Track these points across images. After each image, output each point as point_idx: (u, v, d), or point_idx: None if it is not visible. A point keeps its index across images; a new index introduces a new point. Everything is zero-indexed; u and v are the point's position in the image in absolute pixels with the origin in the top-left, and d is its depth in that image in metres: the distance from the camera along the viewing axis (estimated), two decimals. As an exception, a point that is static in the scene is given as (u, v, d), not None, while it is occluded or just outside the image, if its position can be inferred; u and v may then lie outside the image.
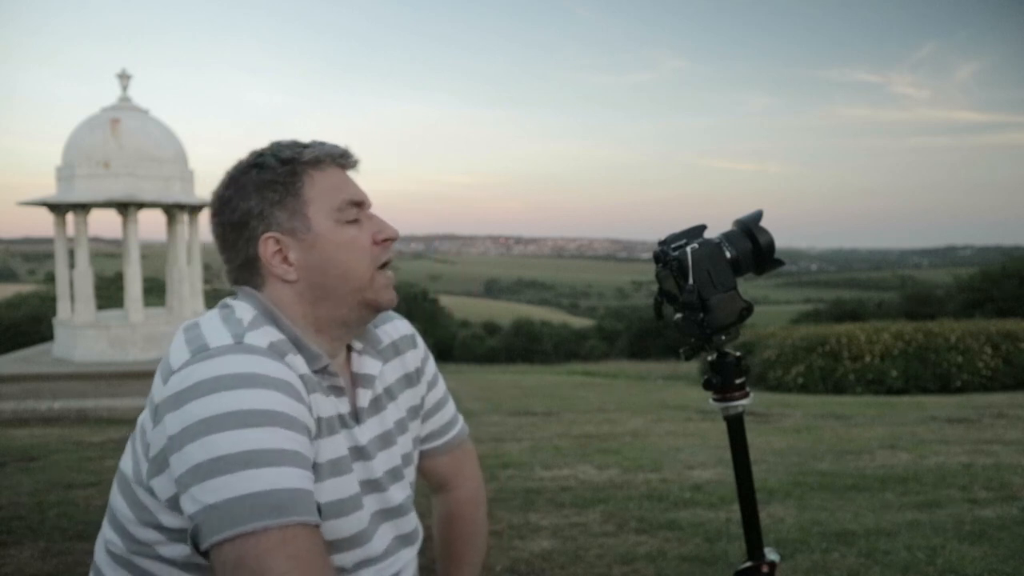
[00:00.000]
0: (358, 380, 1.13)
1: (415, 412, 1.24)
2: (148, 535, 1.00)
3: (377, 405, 1.15)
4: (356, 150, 1.13)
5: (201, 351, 0.96)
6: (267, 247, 1.06)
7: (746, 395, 1.14)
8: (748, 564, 1.11)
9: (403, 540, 1.16)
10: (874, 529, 3.72)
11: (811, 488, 4.52)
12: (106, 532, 1.08)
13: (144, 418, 1.02)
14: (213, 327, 1.01)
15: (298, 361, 1.01)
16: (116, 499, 1.06)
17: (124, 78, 12.37)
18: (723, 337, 1.13)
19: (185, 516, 0.91)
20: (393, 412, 1.18)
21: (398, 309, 1.23)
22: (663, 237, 1.16)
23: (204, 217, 13.28)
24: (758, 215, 1.16)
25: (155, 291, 19.85)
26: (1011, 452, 5.53)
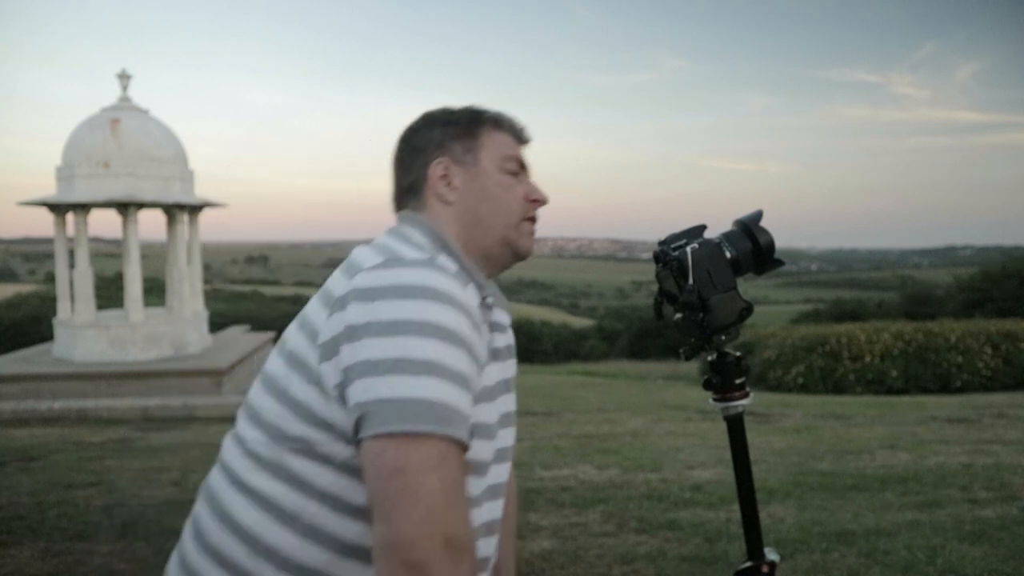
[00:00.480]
0: (493, 326, 1.17)
1: (510, 386, 1.28)
2: (306, 432, 1.01)
3: (508, 352, 1.21)
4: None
5: (395, 258, 1.02)
6: (436, 170, 1.17)
7: (746, 395, 1.14)
8: (748, 564, 1.11)
9: (497, 490, 1.17)
10: (874, 529, 3.72)
11: (811, 488, 4.52)
12: (247, 432, 1.07)
13: (310, 310, 1.05)
14: (404, 248, 1.08)
15: (473, 290, 1.05)
16: (261, 399, 1.07)
17: (124, 78, 12.36)
18: (723, 337, 1.13)
19: (350, 405, 0.94)
20: (510, 364, 1.23)
21: None
22: (663, 237, 1.16)
23: (204, 217, 13.29)
24: (758, 215, 1.16)
25: (155, 291, 19.84)
26: (1011, 452, 5.53)
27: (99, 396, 10.15)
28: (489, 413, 1.06)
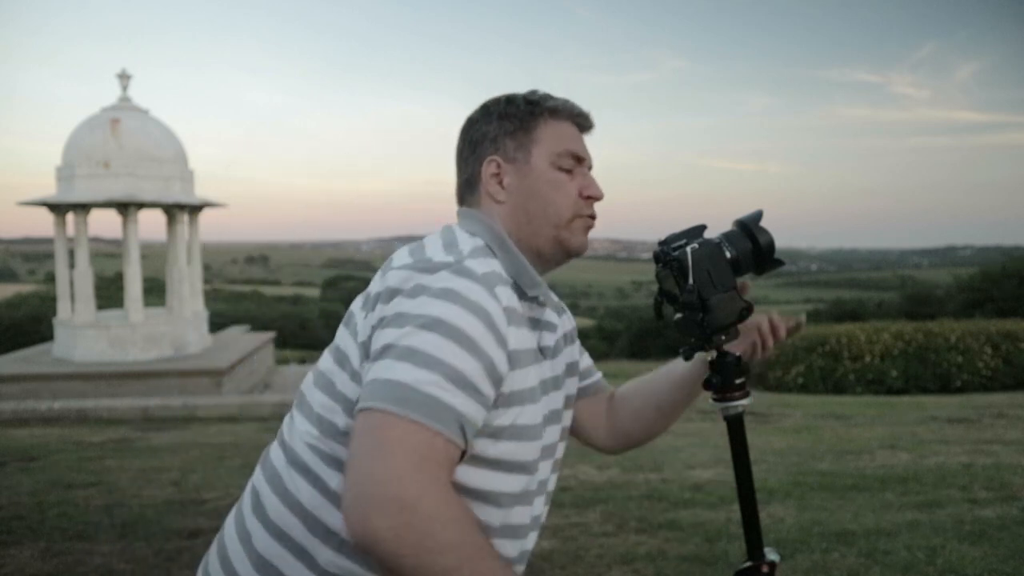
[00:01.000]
0: (542, 324, 1.18)
1: (572, 369, 1.30)
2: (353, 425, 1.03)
3: (556, 350, 1.21)
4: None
5: (423, 260, 1.05)
6: (488, 168, 1.18)
7: (746, 395, 1.14)
8: (748, 564, 1.11)
9: (544, 486, 1.19)
10: (874, 529, 3.72)
11: (811, 488, 4.52)
12: (305, 429, 1.10)
13: (355, 307, 1.10)
14: (436, 249, 1.09)
15: (507, 293, 1.05)
16: (313, 394, 1.11)
17: (124, 78, 12.37)
18: (723, 337, 1.13)
19: (364, 382, 0.98)
20: (561, 359, 1.24)
21: None
22: (663, 237, 1.16)
23: (204, 217, 13.30)
24: (758, 215, 1.16)
25: (155, 291, 19.84)
26: (1011, 452, 5.53)
27: (99, 396, 10.15)
28: (533, 415, 1.08)
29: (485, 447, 1.02)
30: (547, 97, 1.20)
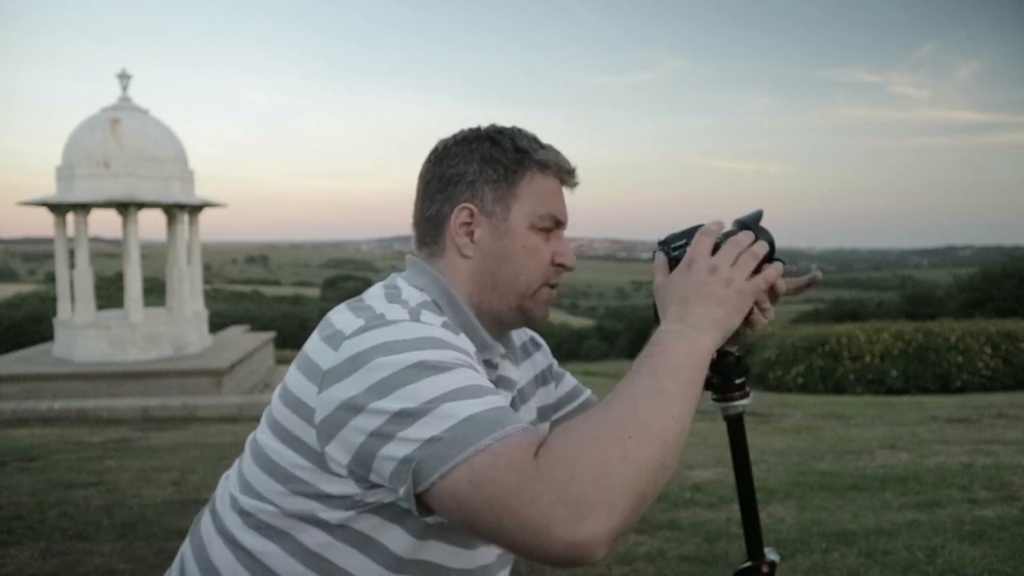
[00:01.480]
0: (500, 382, 1.12)
1: (545, 413, 1.24)
2: (302, 504, 0.96)
3: (513, 407, 1.14)
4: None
5: (377, 319, 0.95)
6: (460, 215, 1.07)
7: (746, 395, 1.14)
8: (748, 564, 1.11)
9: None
10: (874, 529, 3.72)
11: (811, 488, 4.52)
12: (245, 503, 1.01)
13: (297, 386, 0.96)
14: (383, 305, 0.99)
15: (464, 340, 0.99)
16: (251, 470, 1.02)
17: (124, 78, 12.36)
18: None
19: (385, 473, 0.86)
20: (524, 415, 1.17)
21: None
22: (663, 237, 1.15)
23: (204, 217, 13.30)
24: (758, 215, 1.16)
25: (155, 291, 19.83)
26: (1011, 452, 5.53)
27: (99, 396, 10.15)
28: None
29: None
30: (535, 145, 1.09)
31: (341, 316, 0.99)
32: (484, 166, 1.07)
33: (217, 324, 16.26)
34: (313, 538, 0.97)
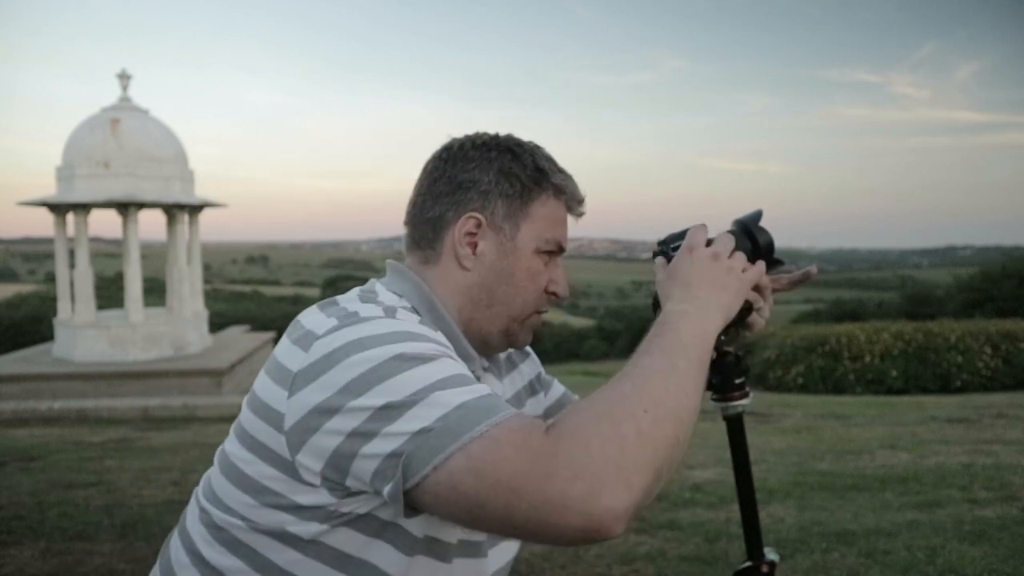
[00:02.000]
0: None
1: None
2: (272, 517, 0.92)
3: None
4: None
5: (351, 317, 0.91)
6: (466, 224, 1.02)
7: (746, 395, 1.14)
8: (748, 564, 1.11)
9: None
10: (874, 529, 3.72)
11: (811, 488, 4.52)
12: (216, 516, 0.97)
13: (266, 392, 0.92)
14: (356, 304, 0.95)
15: (441, 337, 0.95)
16: (220, 482, 0.98)
17: (124, 78, 12.37)
18: (723, 337, 1.13)
19: (366, 474, 0.83)
20: None
21: None
22: (663, 237, 1.15)
23: (204, 217, 13.30)
24: (758, 215, 1.16)
25: (155, 291, 19.83)
26: (1011, 452, 5.53)
27: (99, 396, 10.15)
28: None
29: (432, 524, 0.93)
30: (554, 167, 1.06)
31: (312, 317, 0.95)
32: (501, 178, 1.03)
33: (217, 324, 16.27)
34: (283, 556, 0.93)
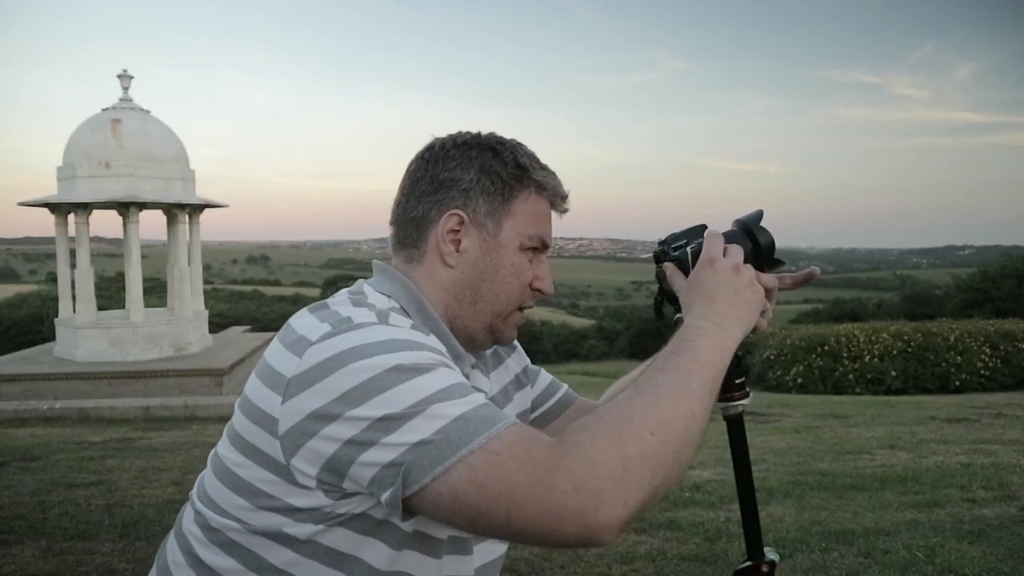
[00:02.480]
0: None
1: (522, 418, 1.22)
2: (268, 520, 0.93)
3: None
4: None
5: (344, 323, 0.91)
6: (448, 222, 1.03)
7: (746, 395, 1.14)
8: (748, 564, 1.11)
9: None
10: (873, 529, 3.73)
11: (811, 488, 4.53)
12: (211, 519, 0.98)
13: (258, 396, 0.93)
14: (348, 309, 0.95)
15: (435, 340, 0.96)
16: (214, 485, 0.98)
17: (125, 78, 12.37)
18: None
19: (365, 480, 0.84)
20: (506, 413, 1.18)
21: None
22: (663, 237, 1.16)
23: (204, 217, 13.29)
24: (758, 215, 1.16)
25: (156, 291, 19.85)
26: (1010, 452, 5.54)
27: (100, 396, 10.16)
28: None
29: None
30: (535, 164, 1.06)
31: (304, 321, 0.94)
32: (482, 176, 1.04)
33: (217, 324, 16.28)
34: (279, 556, 0.93)
